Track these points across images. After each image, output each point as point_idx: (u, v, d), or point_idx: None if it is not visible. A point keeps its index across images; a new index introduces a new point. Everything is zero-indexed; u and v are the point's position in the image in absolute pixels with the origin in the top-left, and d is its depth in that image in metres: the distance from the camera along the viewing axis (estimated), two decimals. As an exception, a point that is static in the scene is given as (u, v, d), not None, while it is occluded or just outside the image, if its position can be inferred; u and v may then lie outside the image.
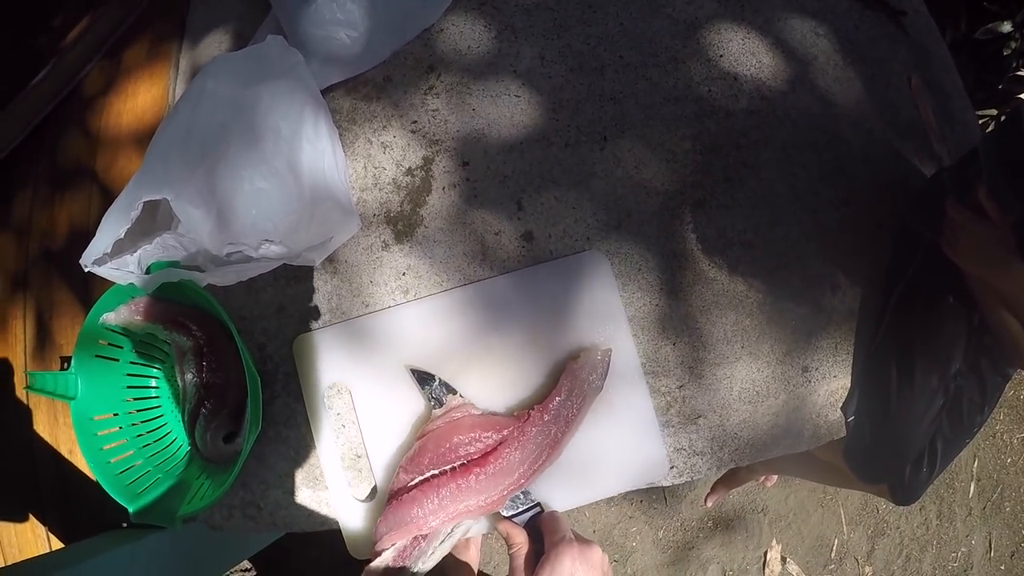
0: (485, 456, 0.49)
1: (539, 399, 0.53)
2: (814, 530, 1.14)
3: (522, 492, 0.50)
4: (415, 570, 0.47)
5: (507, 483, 0.48)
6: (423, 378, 0.53)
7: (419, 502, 0.48)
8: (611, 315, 0.54)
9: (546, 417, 0.50)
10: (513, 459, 0.48)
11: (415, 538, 0.48)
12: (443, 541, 0.48)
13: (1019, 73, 0.94)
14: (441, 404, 0.52)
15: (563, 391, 0.50)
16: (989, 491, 1.20)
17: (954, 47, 0.96)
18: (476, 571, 1.02)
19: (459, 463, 0.49)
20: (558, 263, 0.55)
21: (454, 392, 0.53)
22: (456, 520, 0.48)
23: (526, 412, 0.51)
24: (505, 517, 0.50)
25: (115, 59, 0.70)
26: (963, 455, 1.22)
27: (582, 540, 0.44)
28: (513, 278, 0.55)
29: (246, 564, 1.13)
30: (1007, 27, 0.92)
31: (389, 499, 0.49)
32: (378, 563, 0.46)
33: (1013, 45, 0.93)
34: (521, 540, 0.46)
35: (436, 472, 0.49)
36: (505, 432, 0.50)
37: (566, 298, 0.54)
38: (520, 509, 0.50)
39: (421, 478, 0.49)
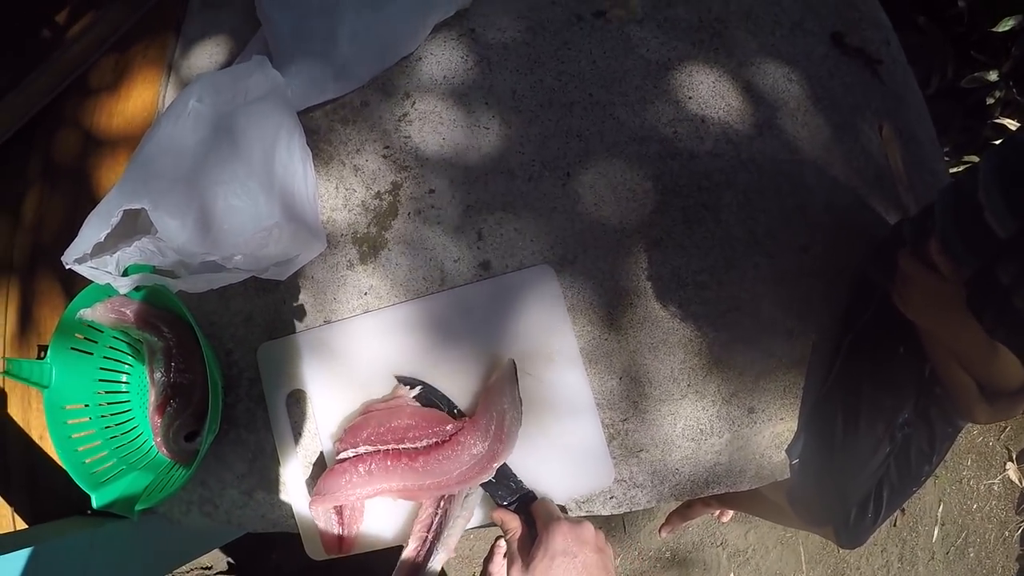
0: (420, 452, 0.52)
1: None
2: (773, 567, 1.13)
3: (513, 482, 0.53)
4: (445, 536, 0.50)
5: (431, 482, 0.51)
6: (409, 384, 0.56)
7: (349, 472, 0.51)
8: (557, 325, 0.56)
9: (477, 432, 0.52)
10: (447, 465, 0.51)
11: (436, 511, 0.51)
12: (459, 514, 0.52)
13: (998, 120, 0.94)
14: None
15: (485, 410, 0.53)
16: (953, 536, 1.19)
17: (940, 93, 0.97)
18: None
19: (393, 447, 0.52)
20: (508, 277, 0.57)
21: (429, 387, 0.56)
22: (380, 494, 0.52)
23: (461, 421, 0.54)
24: (501, 506, 0.52)
25: (112, 59, 0.72)
26: (928, 499, 1.22)
27: (573, 520, 0.46)
28: (465, 291, 0.57)
29: (206, 563, 1.14)
30: (993, 76, 0.92)
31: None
32: (409, 552, 0.50)
33: (998, 94, 0.94)
34: (515, 525, 0.48)
35: (371, 449, 0.52)
36: (443, 428, 0.53)
37: (514, 309, 0.56)
38: (514, 498, 0.52)
39: (355, 452, 0.52)
